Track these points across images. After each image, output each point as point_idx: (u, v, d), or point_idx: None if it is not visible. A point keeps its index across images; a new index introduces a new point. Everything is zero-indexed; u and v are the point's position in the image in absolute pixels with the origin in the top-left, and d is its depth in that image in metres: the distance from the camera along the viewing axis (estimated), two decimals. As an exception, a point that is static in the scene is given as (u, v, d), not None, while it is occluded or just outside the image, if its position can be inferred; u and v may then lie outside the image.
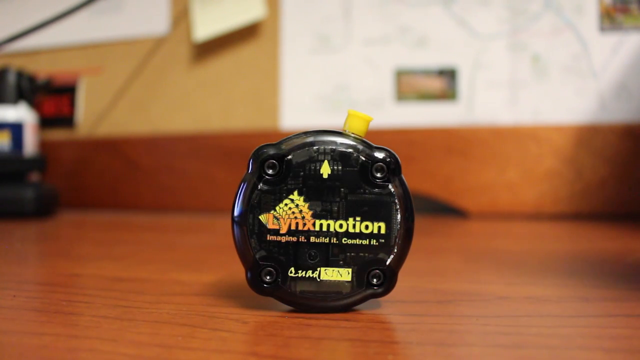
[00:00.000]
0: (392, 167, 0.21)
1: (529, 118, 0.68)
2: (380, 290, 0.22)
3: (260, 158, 0.21)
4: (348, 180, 0.21)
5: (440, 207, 0.69)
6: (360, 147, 0.21)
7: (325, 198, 0.21)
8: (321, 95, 0.75)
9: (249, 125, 0.77)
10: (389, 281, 0.22)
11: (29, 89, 0.74)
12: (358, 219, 0.21)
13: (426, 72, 0.71)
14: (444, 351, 0.18)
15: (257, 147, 0.21)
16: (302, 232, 0.21)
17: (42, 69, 0.86)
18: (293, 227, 0.21)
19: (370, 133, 0.22)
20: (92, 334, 0.19)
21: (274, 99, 0.77)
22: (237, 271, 0.30)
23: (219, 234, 0.53)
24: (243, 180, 0.22)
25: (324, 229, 0.21)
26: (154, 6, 0.82)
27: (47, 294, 0.27)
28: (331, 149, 0.21)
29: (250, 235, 0.21)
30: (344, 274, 0.21)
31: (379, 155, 0.21)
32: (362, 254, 0.21)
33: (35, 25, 0.67)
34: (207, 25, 0.77)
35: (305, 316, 0.21)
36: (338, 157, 0.21)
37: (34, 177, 0.73)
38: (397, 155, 0.22)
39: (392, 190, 0.21)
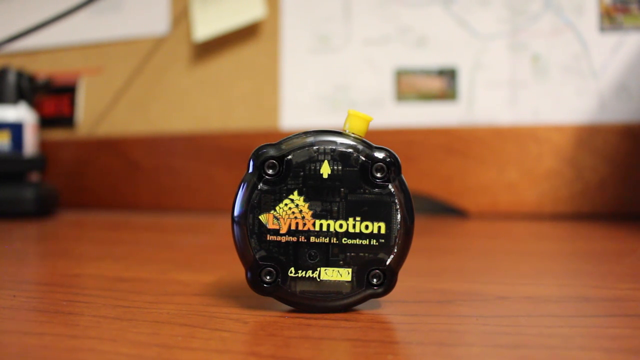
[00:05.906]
0: (392, 167, 0.21)
1: (528, 118, 0.68)
2: (380, 290, 0.22)
3: (260, 158, 0.21)
4: (348, 180, 0.21)
5: (440, 207, 0.69)
6: (360, 147, 0.21)
7: (325, 198, 0.21)
8: (321, 95, 0.75)
9: (249, 125, 0.77)
10: (389, 281, 0.22)
11: (29, 89, 0.74)
12: (358, 219, 0.21)
13: (426, 72, 0.71)
14: (444, 351, 0.18)
15: (257, 147, 0.21)
16: (302, 232, 0.21)
17: (42, 69, 0.86)
18: (293, 227, 0.21)
19: (370, 133, 0.22)
20: (92, 334, 0.19)
21: (273, 99, 0.77)
22: (237, 271, 0.30)
23: (219, 234, 0.53)
24: (243, 180, 0.22)
25: (324, 229, 0.21)
26: (154, 6, 0.82)
27: (47, 294, 0.27)
28: (331, 149, 0.21)
29: (250, 235, 0.21)
30: (344, 274, 0.21)
31: (379, 155, 0.21)
32: (362, 254, 0.21)
33: (35, 25, 0.67)
34: (207, 25, 0.77)
35: (305, 316, 0.21)
36: (338, 157, 0.21)
37: (34, 177, 0.73)
38: (397, 155, 0.22)
39: (392, 190, 0.21)
